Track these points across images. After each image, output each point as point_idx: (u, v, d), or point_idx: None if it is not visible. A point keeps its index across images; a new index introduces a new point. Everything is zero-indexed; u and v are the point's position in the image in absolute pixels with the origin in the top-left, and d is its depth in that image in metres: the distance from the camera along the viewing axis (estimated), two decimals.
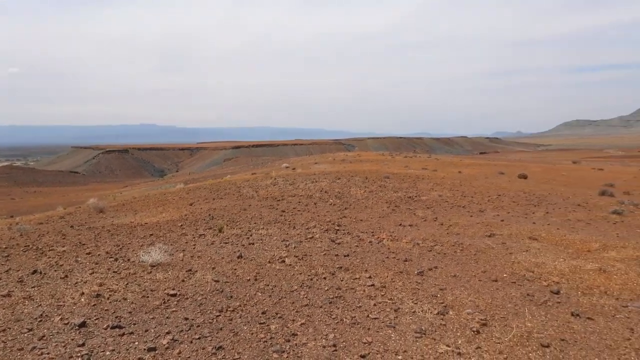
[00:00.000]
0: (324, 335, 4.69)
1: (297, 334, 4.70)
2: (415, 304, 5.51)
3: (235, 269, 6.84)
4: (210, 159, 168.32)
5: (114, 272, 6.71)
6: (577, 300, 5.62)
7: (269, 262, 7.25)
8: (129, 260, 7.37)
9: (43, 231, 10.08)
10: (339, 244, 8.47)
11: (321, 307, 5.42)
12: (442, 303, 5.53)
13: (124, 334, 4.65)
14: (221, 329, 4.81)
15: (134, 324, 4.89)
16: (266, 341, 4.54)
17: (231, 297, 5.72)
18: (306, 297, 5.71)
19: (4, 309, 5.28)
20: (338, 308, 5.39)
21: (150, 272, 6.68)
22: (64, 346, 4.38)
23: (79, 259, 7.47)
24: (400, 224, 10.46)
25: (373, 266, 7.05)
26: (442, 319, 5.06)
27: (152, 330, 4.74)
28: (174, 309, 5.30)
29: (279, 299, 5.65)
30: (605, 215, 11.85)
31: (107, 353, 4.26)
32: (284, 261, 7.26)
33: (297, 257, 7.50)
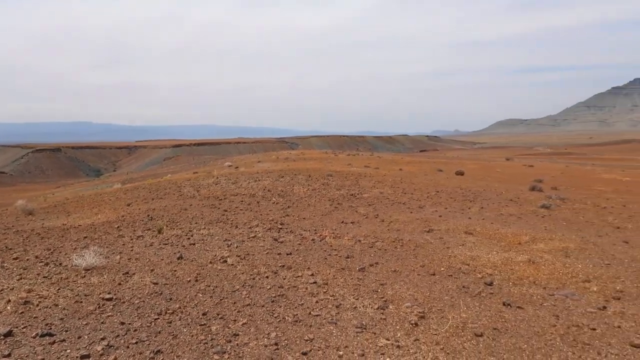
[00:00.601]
0: (266, 334, 4.70)
1: (238, 334, 4.68)
2: (357, 299, 5.64)
3: (175, 271, 6.69)
4: (149, 158, 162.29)
5: (44, 277, 6.35)
6: (508, 290, 5.97)
7: (211, 262, 7.15)
8: (61, 264, 7.00)
9: None
10: (281, 242, 8.49)
11: (263, 306, 5.42)
12: (383, 298, 5.69)
13: (54, 342, 4.42)
14: (160, 332, 4.70)
15: (66, 331, 4.67)
16: (207, 342, 4.49)
17: (170, 299, 5.59)
18: (248, 297, 5.70)
19: None
20: (280, 306, 5.42)
21: (84, 276, 6.39)
22: None
23: (5, 265, 7.00)
24: (343, 222, 10.64)
25: (315, 264, 7.13)
26: (382, 314, 5.21)
27: (86, 337, 4.55)
28: (110, 314, 5.11)
29: (220, 300, 5.60)
30: (535, 209, 12.65)
31: None
32: (225, 261, 7.19)
33: (239, 256, 7.45)
